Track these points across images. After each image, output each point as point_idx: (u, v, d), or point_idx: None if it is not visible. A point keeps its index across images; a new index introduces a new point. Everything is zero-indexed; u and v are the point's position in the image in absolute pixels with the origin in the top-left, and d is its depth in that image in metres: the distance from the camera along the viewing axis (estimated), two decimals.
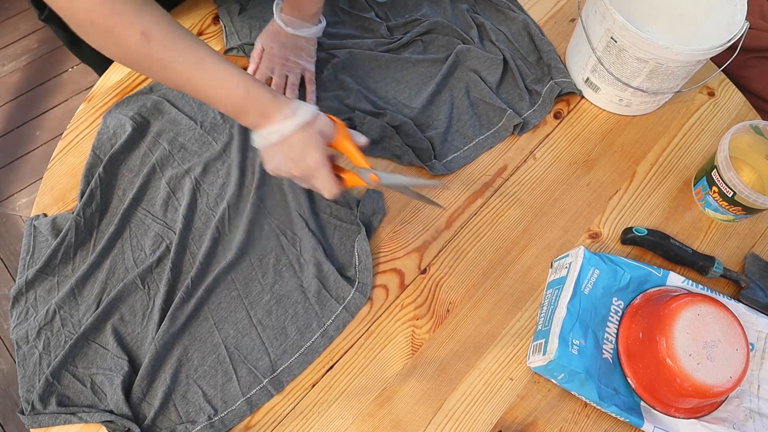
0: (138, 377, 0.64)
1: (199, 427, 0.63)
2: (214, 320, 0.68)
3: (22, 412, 0.64)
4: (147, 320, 0.68)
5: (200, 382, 0.66)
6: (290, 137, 0.61)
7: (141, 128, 0.78)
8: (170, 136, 0.78)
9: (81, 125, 0.80)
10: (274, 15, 0.78)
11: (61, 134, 0.80)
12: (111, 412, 0.63)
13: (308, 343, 0.68)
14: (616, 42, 0.73)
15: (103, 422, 0.63)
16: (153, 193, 0.75)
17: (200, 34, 0.88)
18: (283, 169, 0.63)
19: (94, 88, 0.83)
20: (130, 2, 0.53)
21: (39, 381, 0.65)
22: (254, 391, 0.65)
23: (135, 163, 0.76)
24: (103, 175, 0.74)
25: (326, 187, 0.63)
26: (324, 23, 0.81)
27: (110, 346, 0.66)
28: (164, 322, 0.66)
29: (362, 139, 0.67)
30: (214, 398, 0.65)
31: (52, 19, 0.82)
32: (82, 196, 0.73)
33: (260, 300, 0.70)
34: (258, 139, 0.62)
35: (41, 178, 0.77)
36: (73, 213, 0.72)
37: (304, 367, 0.67)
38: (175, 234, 0.71)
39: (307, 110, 0.61)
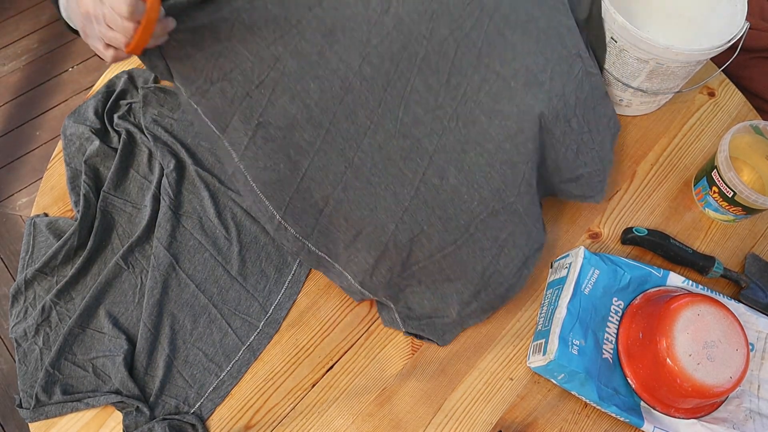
0: (136, 353, 0.65)
1: (211, 388, 0.64)
2: (195, 284, 0.69)
3: (20, 405, 0.64)
4: (139, 297, 0.69)
5: (198, 344, 0.67)
6: None
7: (99, 134, 0.78)
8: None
9: None
10: None
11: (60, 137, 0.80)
12: (117, 392, 0.64)
13: (290, 276, 0.69)
14: (616, 42, 0.73)
15: (112, 404, 0.63)
16: (127, 182, 0.75)
17: None
18: (78, 18, 0.50)
19: (94, 88, 0.83)
20: None
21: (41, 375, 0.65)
22: (253, 337, 0.67)
23: (109, 162, 0.77)
24: (88, 181, 0.74)
25: (115, 4, 0.46)
26: None
27: (106, 329, 0.67)
28: (146, 296, 0.67)
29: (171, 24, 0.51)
30: (215, 356, 0.66)
31: None
32: (76, 206, 0.73)
33: (231, 253, 0.70)
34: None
35: (41, 178, 0.77)
36: (75, 219, 0.72)
37: (292, 299, 0.69)
38: (148, 213, 0.72)
39: None
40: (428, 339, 0.68)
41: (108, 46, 0.50)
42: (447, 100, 0.59)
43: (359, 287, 0.66)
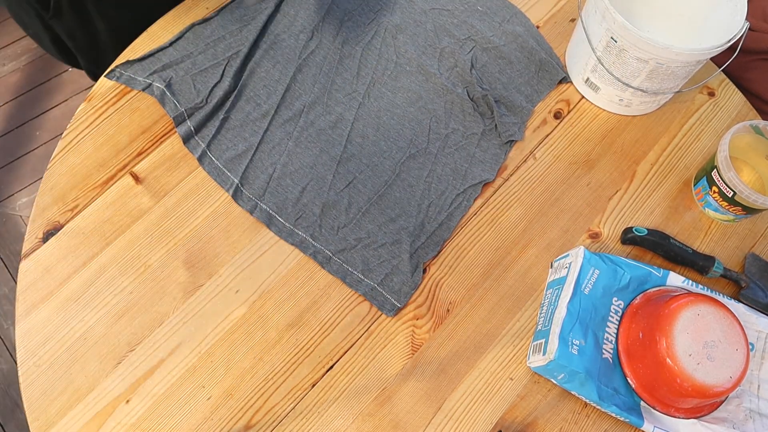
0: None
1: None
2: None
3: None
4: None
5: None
6: None
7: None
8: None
9: (81, 125, 0.80)
10: None
11: (61, 134, 0.80)
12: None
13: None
14: (616, 42, 0.73)
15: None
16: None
17: None
18: None
19: (94, 88, 0.83)
20: None
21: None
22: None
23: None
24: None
25: None
26: None
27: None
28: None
29: None
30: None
31: (59, 14, 0.83)
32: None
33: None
34: None
35: (41, 178, 0.77)
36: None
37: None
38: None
39: None
40: (387, 301, 0.71)
41: None
42: (359, 86, 0.84)
43: (311, 241, 0.74)
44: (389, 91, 0.84)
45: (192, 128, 0.79)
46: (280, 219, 0.75)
